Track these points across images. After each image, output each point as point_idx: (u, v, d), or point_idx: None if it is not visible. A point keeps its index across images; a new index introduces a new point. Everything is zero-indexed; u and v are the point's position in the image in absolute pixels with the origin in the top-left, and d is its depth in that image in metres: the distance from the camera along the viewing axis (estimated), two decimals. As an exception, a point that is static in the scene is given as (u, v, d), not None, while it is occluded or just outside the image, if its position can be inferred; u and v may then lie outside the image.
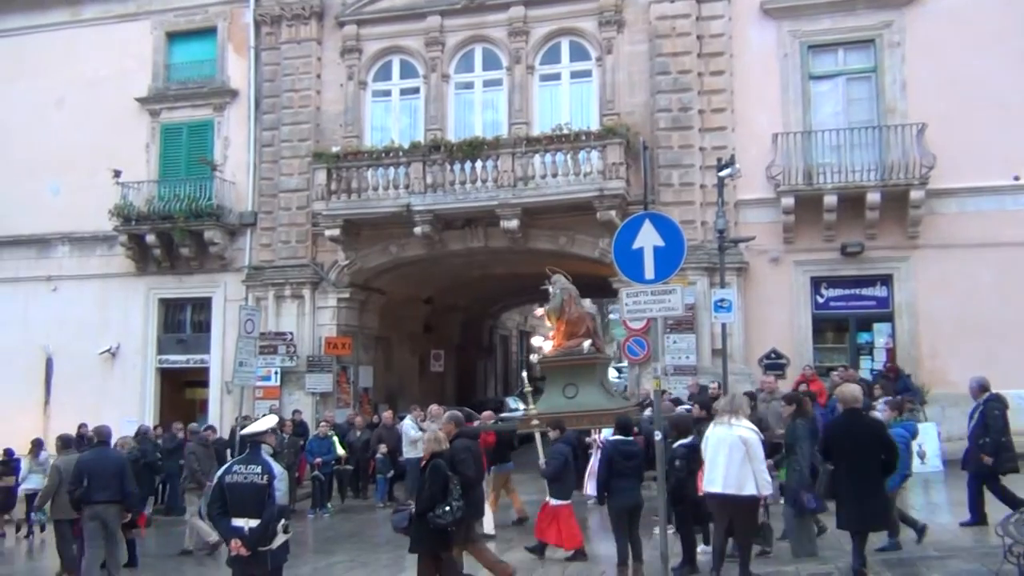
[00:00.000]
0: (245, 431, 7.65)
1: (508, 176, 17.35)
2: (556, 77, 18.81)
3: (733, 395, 8.81)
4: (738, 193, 17.19)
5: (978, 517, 10.07)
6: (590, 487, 14.19)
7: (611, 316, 45.36)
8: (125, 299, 20.62)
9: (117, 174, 19.90)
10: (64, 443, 11.67)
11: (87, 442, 16.43)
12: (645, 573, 8.64)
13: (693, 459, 8.89)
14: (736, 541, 8.17)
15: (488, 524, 11.20)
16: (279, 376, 18.82)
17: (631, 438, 8.79)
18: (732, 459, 7.78)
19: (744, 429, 7.95)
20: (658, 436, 8.13)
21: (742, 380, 16.05)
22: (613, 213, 16.87)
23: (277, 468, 7.00)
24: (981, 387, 10.47)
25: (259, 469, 6.89)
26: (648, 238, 8.09)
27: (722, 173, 15.94)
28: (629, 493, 8.58)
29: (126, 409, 19.51)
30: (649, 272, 8.10)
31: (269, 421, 7.70)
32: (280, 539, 6.91)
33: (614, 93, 18.12)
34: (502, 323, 33.23)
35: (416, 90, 19.53)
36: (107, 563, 10.26)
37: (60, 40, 21.73)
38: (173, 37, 21.29)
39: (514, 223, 17.51)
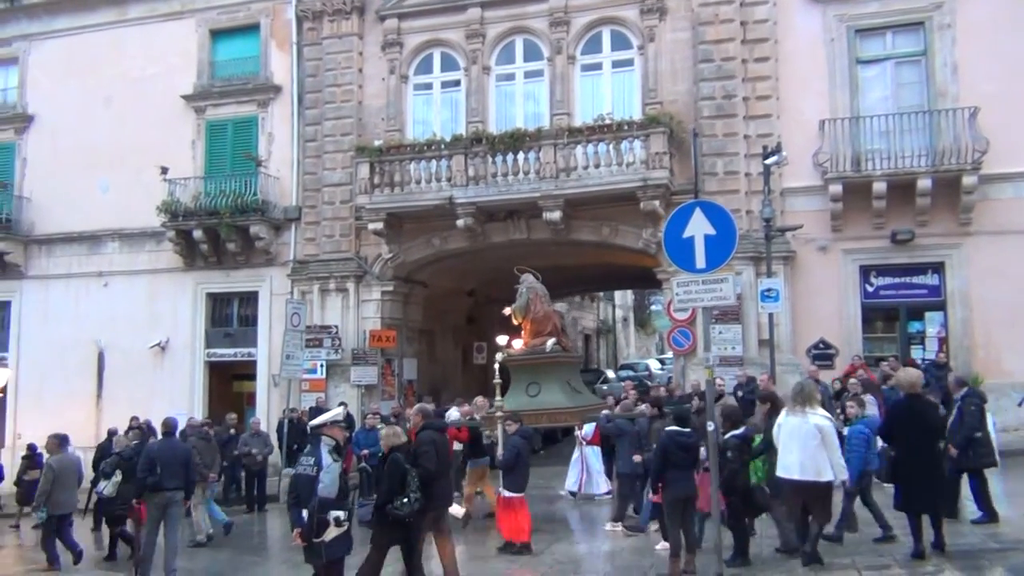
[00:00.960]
0: (312, 423, 7.80)
1: (550, 167, 17.28)
2: (598, 67, 18.68)
3: (803, 385, 8.82)
4: (784, 181, 16.95)
5: (989, 514, 9.88)
6: (571, 483, 14.26)
7: (653, 307, 45.24)
8: (174, 294, 20.95)
9: (164, 171, 20.16)
10: (60, 442, 12.06)
11: (136, 432, 16.98)
12: (697, 564, 8.56)
13: (745, 450, 8.84)
14: (810, 525, 8.27)
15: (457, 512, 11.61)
16: (325, 369, 18.97)
17: (688, 429, 8.70)
18: (807, 447, 7.96)
19: (819, 417, 8.12)
20: (711, 426, 8.08)
21: (790, 371, 15.86)
22: (657, 203, 16.75)
23: (326, 460, 7.02)
24: (959, 383, 10.50)
25: (312, 461, 7.01)
26: (699, 226, 7.99)
27: (768, 161, 15.77)
28: (684, 484, 8.52)
29: (176, 402, 19.76)
30: (700, 261, 8.01)
31: (333, 414, 7.72)
32: (332, 532, 6.88)
33: (656, 82, 17.96)
34: (544, 315, 33.16)
35: (457, 83, 19.53)
36: (167, 546, 10.63)
37: (107, 39, 22.10)
38: (217, 34, 21.52)
39: (557, 215, 17.45)
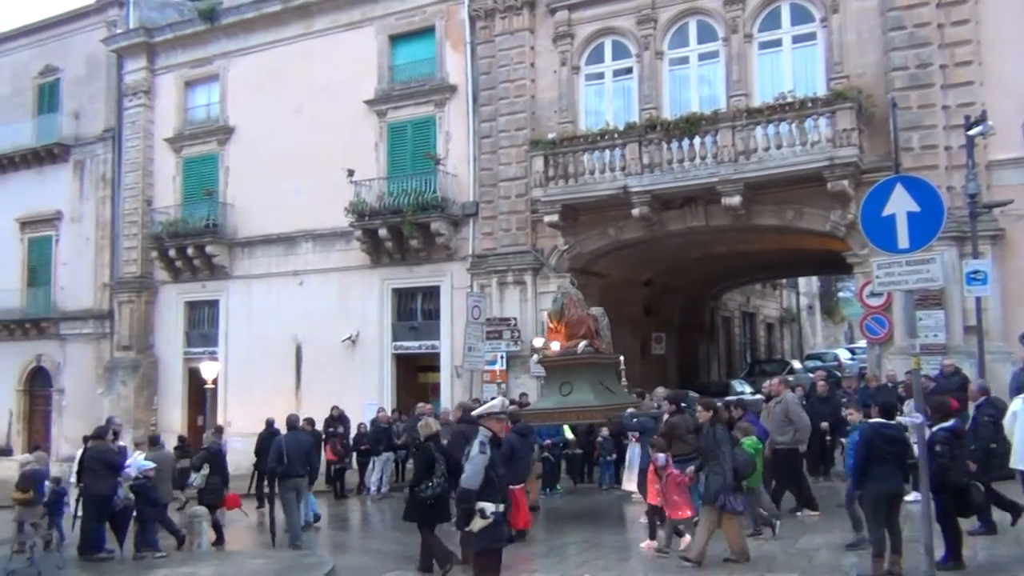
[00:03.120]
0: (473, 412, 7.92)
1: (728, 151, 16.75)
2: (777, 43, 17.90)
3: None
4: (990, 153, 15.59)
5: (987, 527, 9.52)
6: (630, 483, 13.91)
7: (842, 294, 43.00)
8: (362, 290, 22.00)
9: (351, 173, 21.19)
10: (152, 441, 13.73)
11: (339, 421, 18.07)
12: (904, 566, 8.01)
13: (956, 444, 8.19)
14: None
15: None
16: (505, 360, 19.29)
17: (893, 422, 8.15)
18: None
19: None
20: (919, 419, 7.53)
21: (1001, 360, 14.60)
22: (846, 183, 15.89)
23: (474, 451, 6.94)
24: (982, 390, 10.23)
25: (468, 451, 7.05)
26: (901, 203, 7.42)
27: (971, 132, 14.56)
28: (889, 480, 7.96)
29: (367, 393, 20.88)
30: (903, 241, 7.44)
31: (490, 405, 7.74)
32: (479, 523, 6.75)
33: (842, 55, 16.99)
34: (724, 304, 32.31)
35: (629, 70, 19.30)
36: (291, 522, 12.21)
37: (296, 52, 23.49)
38: (395, 39, 22.35)
39: (736, 199, 16.89)
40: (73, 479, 16.73)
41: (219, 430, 18.04)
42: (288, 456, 12.00)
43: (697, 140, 17.16)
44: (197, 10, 25.31)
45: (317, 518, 14.53)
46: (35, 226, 27.71)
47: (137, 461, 13.12)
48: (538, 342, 16.82)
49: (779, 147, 16.39)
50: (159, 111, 25.87)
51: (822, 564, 9.19)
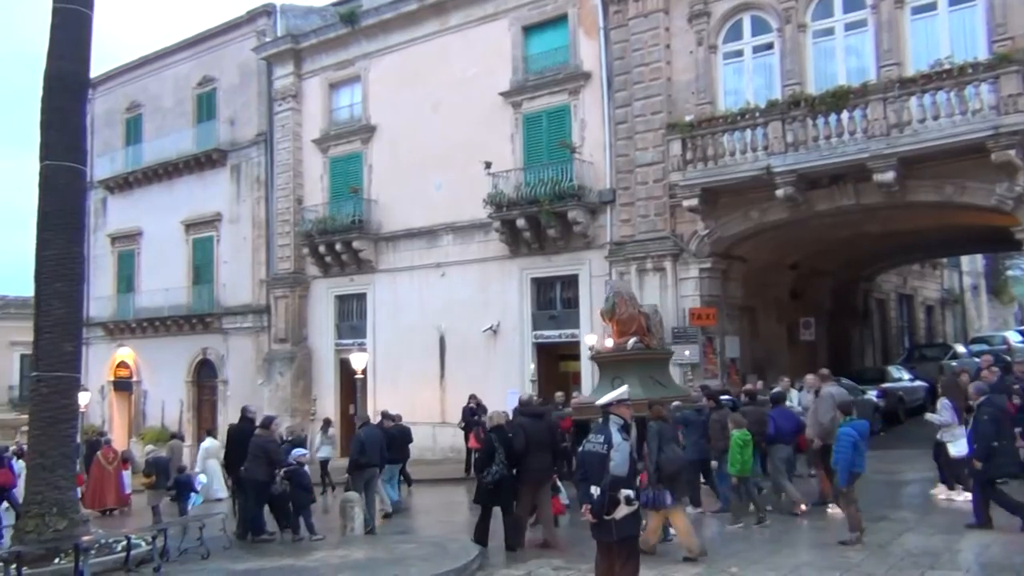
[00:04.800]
0: (599, 401, 7.90)
1: (879, 124, 15.86)
2: (931, 7, 16.77)
3: None
4: None
5: (983, 520, 10.08)
6: None
7: (1010, 272, 40.06)
8: (502, 280, 22.27)
9: (488, 165, 21.45)
10: (207, 433, 15.40)
11: (473, 413, 18.47)
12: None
13: None
14: None
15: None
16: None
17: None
18: None
19: None
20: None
21: None
22: (1012, 153, 14.75)
23: (616, 439, 6.98)
24: (979, 391, 10.49)
25: (602, 439, 7.03)
26: (1076, 173, 6.81)
27: None
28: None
29: (508, 382, 21.11)
30: (1079, 213, 6.83)
31: (619, 392, 7.70)
32: (623, 511, 6.83)
33: (1005, 15, 15.73)
34: (878, 286, 30.73)
35: (769, 46, 18.58)
36: (367, 504, 13.25)
37: (432, 48, 23.99)
38: (528, 30, 22.41)
39: (889, 175, 15.98)
40: (200, 466, 18.49)
41: (326, 423, 19.51)
42: (365, 448, 13.19)
43: (845, 115, 16.34)
44: (339, 14, 26.28)
45: (397, 505, 15.45)
46: (198, 228, 29.68)
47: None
48: (591, 339, 17.03)
49: (936, 118, 15.38)
50: (306, 114, 27.04)
51: (991, 563, 8.60)
